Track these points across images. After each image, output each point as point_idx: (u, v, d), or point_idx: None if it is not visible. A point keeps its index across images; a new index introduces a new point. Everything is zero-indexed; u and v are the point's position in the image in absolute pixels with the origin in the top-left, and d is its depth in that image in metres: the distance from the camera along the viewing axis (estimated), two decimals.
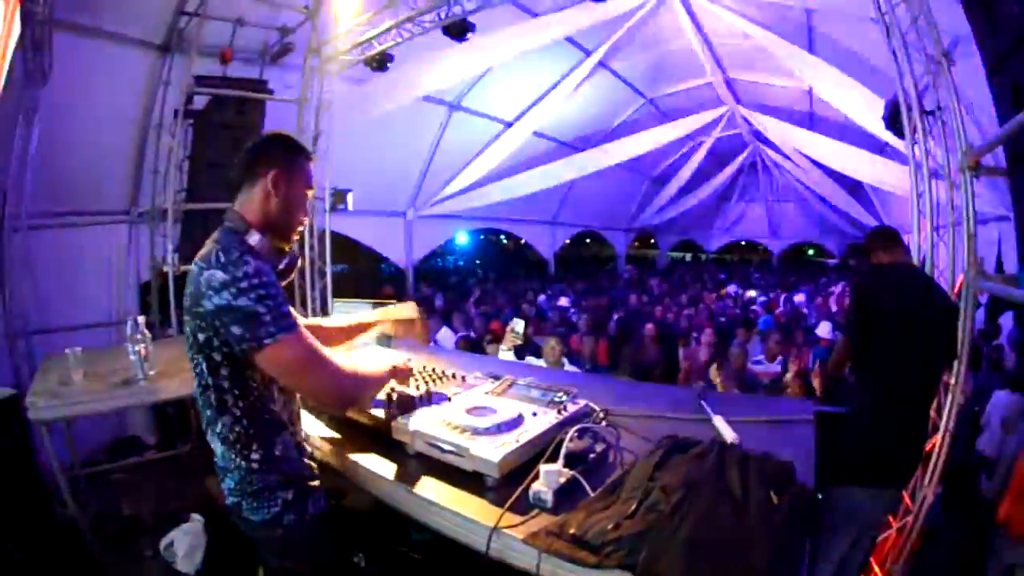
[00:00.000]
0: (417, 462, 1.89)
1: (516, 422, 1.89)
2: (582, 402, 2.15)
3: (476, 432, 1.80)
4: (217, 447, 1.71)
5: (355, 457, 1.98)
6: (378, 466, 1.90)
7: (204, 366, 1.61)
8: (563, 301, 11.32)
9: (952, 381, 3.08)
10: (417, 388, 2.28)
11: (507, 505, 1.54)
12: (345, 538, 2.06)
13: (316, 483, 1.82)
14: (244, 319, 1.49)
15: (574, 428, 1.84)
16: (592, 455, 1.81)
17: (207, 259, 1.55)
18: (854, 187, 12.14)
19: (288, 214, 1.73)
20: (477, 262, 23.32)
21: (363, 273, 16.28)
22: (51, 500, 3.15)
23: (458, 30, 4.92)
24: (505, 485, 1.67)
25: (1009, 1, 2.39)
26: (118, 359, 3.28)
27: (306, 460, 1.82)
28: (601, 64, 9.45)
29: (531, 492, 1.59)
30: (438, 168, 10.40)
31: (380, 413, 2.04)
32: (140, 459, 4.46)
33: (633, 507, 1.44)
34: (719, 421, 2.20)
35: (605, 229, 20.62)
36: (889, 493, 2.76)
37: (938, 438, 3.10)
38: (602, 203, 17.01)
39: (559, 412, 2.01)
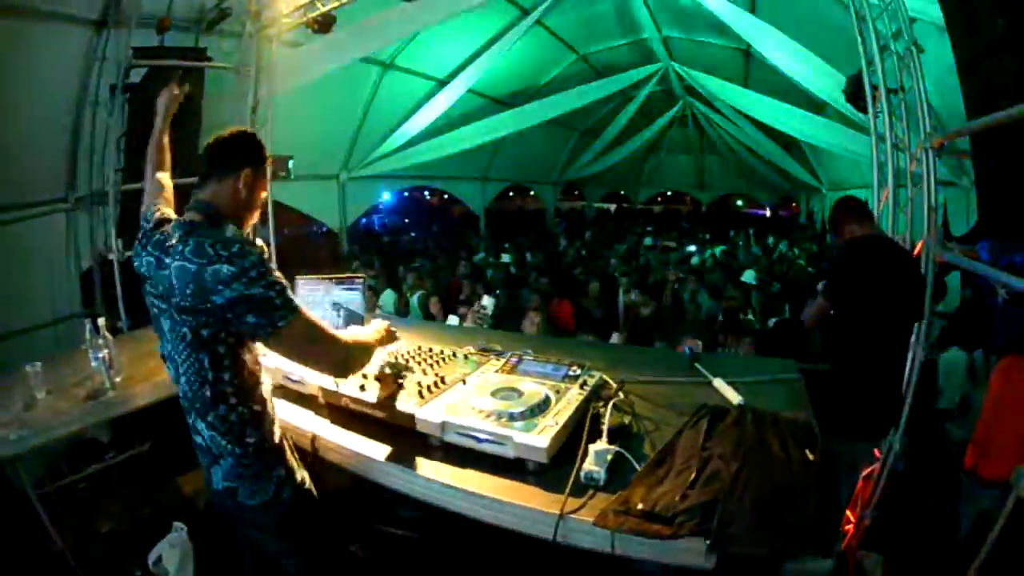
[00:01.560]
0: (445, 454, 1.87)
1: (545, 402, 1.91)
2: (596, 374, 2.19)
3: (512, 417, 1.81)
4: (205, 434, 1.73)
5: (381, 457, 1.93)
6: (409, 464, 1.86)
7: (206, 361, 1.64)
8: (505, 258, 11.36)
9: (913, 339, 3.30)
10: (424, 373, 2.26)
11: (567, 490, 1.57)
12: (330, 523, 2.06)
13: (294, 459, 1.92)
14: (258, 307, 1.55)
15: (610, 403, 1.88)
16: (624, 427, 1.87)
17: (199, 254, 1.56)
18: (788, 143, 12.52)
19: (252, 209, 1.87)
20: (406, 220, 22.97)
21: (293, 238, 15.73)
22: (34, 534, 2.86)
23: None
24: (545, 468, 1.70)
25: (991, 8, 2.53)
26: (78, 366, 3.07)
27: (283, 438, 1.89)
28: (536, 21, 9.27)
29: (583, 472, 1.63)
30: (371, 129, 10.05)
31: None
32: (102, 464, 4.20)
33: (692, 476, 1.53)
34: (720, 383, 2.31)
35: (534, 183, 20.64)
36: (870, 444, 3.04)
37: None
38: (531, 157, 16.94)
39: (580, 387, 2.04)
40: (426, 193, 27.28)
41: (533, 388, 2.01)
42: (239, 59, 5.20)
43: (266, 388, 1.86)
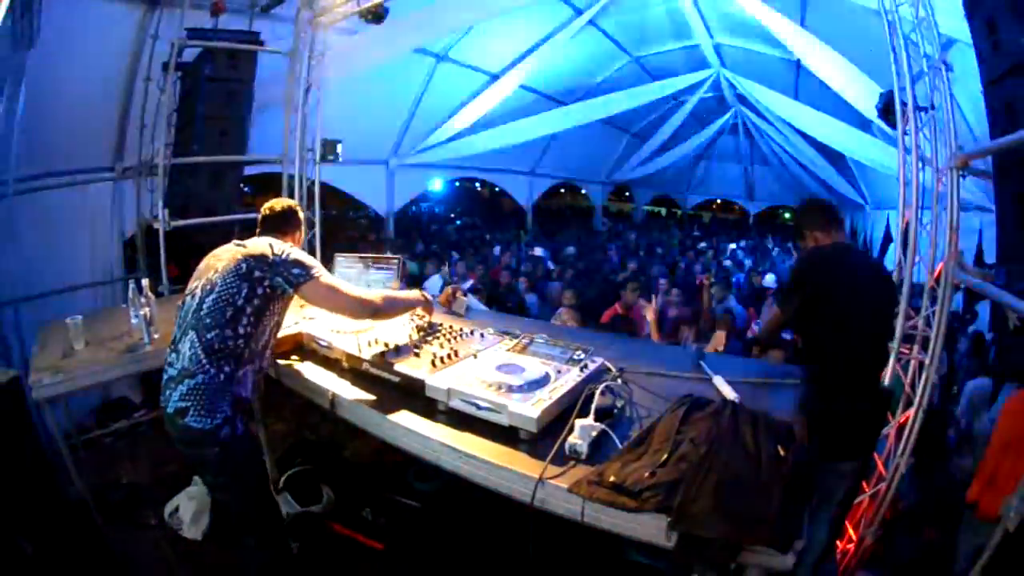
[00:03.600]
0: (449, 418, 2.03)
1: (544, 379, 2.06)
2: (599, 360, 2.33)
3: (511, 390, 1.97)
4: (187, 353, 2.18)
5: (390, 416, 2.09)
6: (413, 423, 2.02)
7: (245, 291, 2.21)
8: (537, 251, 11.50)
9: (928, 361, 3.26)
10: (441, 347, 2.43)
11: (549, 458, 1.71)
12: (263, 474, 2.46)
13: (248, 411, 2.42)
14: (301, 265, 2.28)
15: (601, 385, 2.02)
16: (615, 410, 2.00)
17: (272, 239, 2.40)
18: (836, 157, 12.28)
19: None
20: (452, 216, 23.25)
21: (338, 220, 16.16)
22: (57, 479, 2.95)
23: None
24: (537, 438, 1.84)
25: (1013, 27, 2.51)
26: (117, 322, 3.20)
27: (254, 394, 2.39)
28: (590, 21, 9.38)
29: (567, 445, 1.76)
30: (422, 118, 10.32)
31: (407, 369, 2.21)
32: (130, 422, 4.32)
33: (664, 457, 1.64)
34: (719, 381, 2.40)
35: (583, 181, 20.70)
36: (844, 466, 2.59)
37: (911, 413, 3.30)
38: (582, 155, 17.04)
39: (580, 370, 2.19)
40: (477, 185, 27.56)
41: (536, 366, 2.16)
42: (292, 44, 5.39)
43: (267, 354, 2.40)
